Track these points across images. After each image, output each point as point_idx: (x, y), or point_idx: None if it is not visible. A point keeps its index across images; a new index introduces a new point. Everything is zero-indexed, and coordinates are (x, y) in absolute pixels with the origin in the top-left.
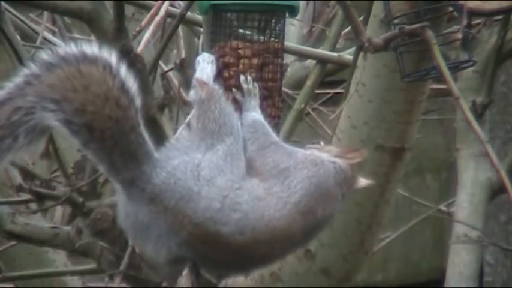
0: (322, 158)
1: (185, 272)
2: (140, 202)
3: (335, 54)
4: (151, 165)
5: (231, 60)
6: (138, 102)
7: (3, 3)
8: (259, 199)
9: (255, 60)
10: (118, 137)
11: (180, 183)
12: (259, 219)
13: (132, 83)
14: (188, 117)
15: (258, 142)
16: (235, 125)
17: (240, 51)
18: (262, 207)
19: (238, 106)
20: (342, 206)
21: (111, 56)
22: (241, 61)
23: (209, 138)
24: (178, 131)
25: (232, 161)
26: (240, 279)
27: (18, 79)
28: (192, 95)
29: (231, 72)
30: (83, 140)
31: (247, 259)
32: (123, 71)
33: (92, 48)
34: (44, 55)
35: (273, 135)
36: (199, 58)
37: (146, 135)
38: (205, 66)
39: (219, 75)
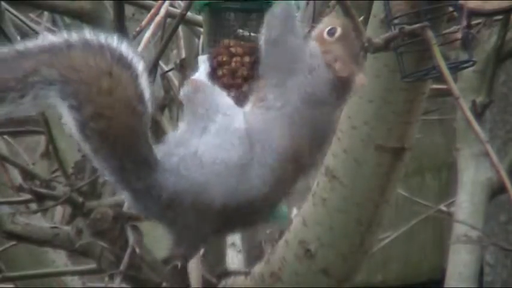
0: (319, 61)
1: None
2: (157, 210)
3: None
4: (161, 171)
5: (224, 59)
6: (150, 110)
7: (3, 3)
8: (264, 131)
9: (246, 58)
10: (130, 144)
11: (188, 181)
12: (273, 160)
13: (149, 92)
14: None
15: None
16: (222, 102)
17: (231, 49)
18: (270, 142)
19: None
20: (339, 108)
21: (140, 62)
22: (234, 59)
23: (200, 122)
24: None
25: (227, 133)
26: (240, 279)
27: (56, 39)
28: (181, 94)
29: (224, 71)
30: (94, 146)
31: (274, 196)
32: (144, 78)
33: (129, 49)
34: (86, 32)
35: None
36: (198, 63)
37: (152, 142)
38: (200, 68)
39: (213, 74)
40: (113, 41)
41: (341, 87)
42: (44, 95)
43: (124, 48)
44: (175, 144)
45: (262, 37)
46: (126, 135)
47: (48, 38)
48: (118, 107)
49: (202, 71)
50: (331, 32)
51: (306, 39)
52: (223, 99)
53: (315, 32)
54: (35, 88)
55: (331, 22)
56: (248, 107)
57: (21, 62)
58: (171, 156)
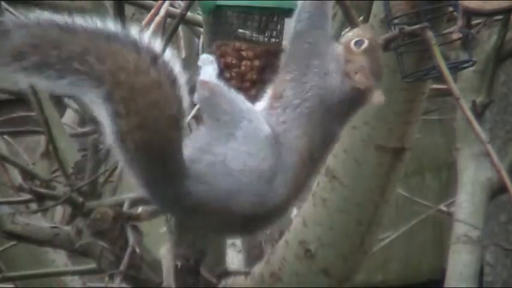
0: (337, 68)
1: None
2: (184, 215)
3: None
4: (189, 178)
5: (233, 61)
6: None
7: (3, 3)
8: (283, 134)
9: (256, 62)
10: (167, 156)
11: (218, 189)
12: (293, 162)
13: (187, 105)
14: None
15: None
16: (244, 107)
17: (242, 52)
18: (289, 144)
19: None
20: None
21: (183, 76)
22: (243, 62)
23: (225, 128)
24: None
25: (253, 140)
26: (240, 279)
27: (116, 30)
28: (196, 98)
29: (233, 73)
30: (130, 156)
31: (293, 200)
32: (186, 93)
33: (178, 67)
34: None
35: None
36: (200, 62)
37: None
38: (206, 68)
39: (220, 75)
40: (166, 57)
41: (355, 98)
42: (82, 86)
43: (175, 65)
44: (200, 151)
45: (293, 25)
46: (165, 148)
47: (107, 25)
48: (163, 120)
49: (211, 72)
50: (358, 43)
51: (331, 41)
52: (245, 104)
53: (342, 40)
54: (76, 76)
55: (360, 34)
56: (264, 103)
57: (71, 39)
58: (197, 163)
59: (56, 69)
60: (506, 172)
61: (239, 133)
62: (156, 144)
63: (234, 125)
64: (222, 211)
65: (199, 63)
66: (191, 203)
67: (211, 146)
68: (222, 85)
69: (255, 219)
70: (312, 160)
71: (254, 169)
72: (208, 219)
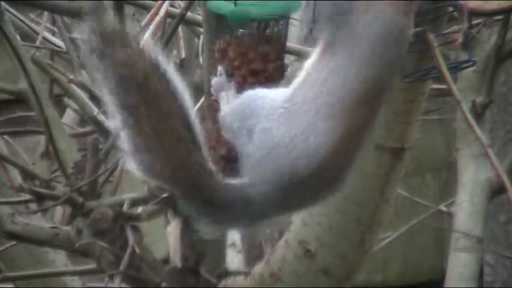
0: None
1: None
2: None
3: None
4: (237, 195)
5: (261, 67)
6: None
7: (3, 3)
8: (326, 81)
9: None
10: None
11: (259, 179)
12: (335, 110)
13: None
14: None
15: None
16: (250, 97)
17: (270, 57)
18: (332, 91)
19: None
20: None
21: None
22: (269, 66)
23: (245, 129)
24: None
25: (268, 116)
26: (240, 279)
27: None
28: (224, 130)
29: (262, 79)
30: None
31: (348, 147)
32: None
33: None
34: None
35: None
36: (214, 88)
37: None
38: (224, 95)
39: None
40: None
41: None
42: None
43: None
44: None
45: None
46: (198, 193)
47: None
48: (193, 172)
49: (229, 97)
50: None
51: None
52: (250, 94)
53: None
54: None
55: None
56: (312, 59)
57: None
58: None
59: (109, 81)
60: (505, 172)
61: (256, 122)
62: (190, 184)
63: (249, 120)
64: (280, 191)
65: (213, 90)
66: (256, 208)
67: (240, 153)
68: (237, 99)
69: (328, 166)
70: (370, 94)
71: (270, 141)
72: (300, 195)
